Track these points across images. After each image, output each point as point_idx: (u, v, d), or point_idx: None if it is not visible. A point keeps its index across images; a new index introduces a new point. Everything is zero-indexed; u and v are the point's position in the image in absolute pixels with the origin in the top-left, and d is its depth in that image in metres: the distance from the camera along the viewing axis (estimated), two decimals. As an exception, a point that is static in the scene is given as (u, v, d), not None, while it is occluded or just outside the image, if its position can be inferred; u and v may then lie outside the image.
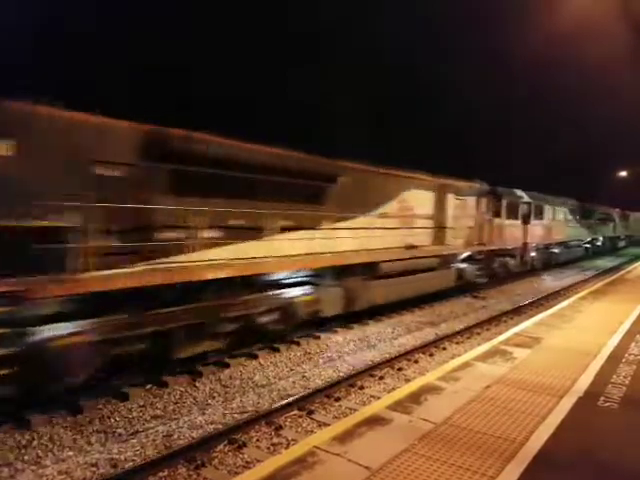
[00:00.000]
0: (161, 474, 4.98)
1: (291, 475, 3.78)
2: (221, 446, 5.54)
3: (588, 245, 31.93)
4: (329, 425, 5.52)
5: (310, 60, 33.99)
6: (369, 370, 8.20)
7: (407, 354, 9.20)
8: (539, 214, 22.05)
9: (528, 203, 20.64)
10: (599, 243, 34.96)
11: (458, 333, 10.95)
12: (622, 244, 43.39)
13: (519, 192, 20.09)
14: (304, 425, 6.23)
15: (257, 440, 5.78)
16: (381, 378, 8.03)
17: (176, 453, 5.26)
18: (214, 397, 7.11)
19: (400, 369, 8.54)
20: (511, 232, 18.68)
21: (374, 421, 4.79)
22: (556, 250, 25.29)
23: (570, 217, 27.36)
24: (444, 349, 9.89)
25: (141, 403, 6.75)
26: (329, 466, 3.93)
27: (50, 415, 6.14)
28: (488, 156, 39.42)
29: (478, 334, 11.19)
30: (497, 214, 17.61)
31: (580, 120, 52.77)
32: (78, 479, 4.94)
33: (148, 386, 7.25)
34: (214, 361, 8.28)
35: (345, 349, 9.72)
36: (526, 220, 20.30)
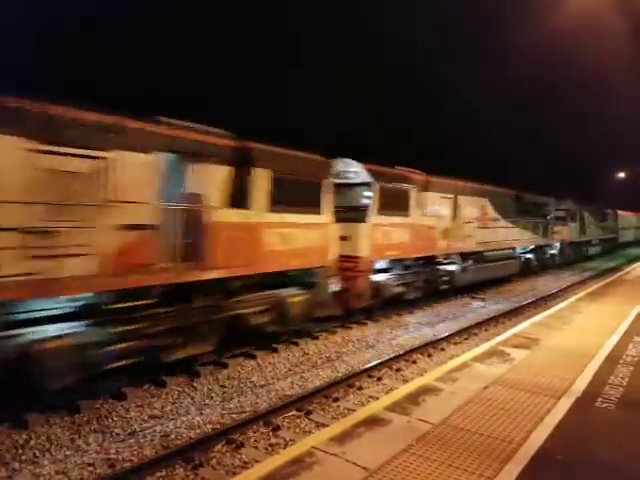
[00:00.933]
0: (159, 474, 4.97)
1: (289, 475, 3.78)
2: (219, 446, 5.54)
3: (530, 255, 22.51)
4: (327, 426, 5.52)
5: (310, 60, 34.04)
6: (367, 371, 8.19)
7: (405, 355, 9.20)
8: (397, 205, 12.61)
9: (365, 184, 11.79)
10: (553, 251, 25.36)
11: (456, 334, 10.95)
12: (595, 251, 32.79)
13: (344, 163, 11.77)
14: (302, 425, 6.22)
15: (255, 440, 5.77)
16: (379, 379, 8.03)
17: (174, 453, 5.26)
18: (212, 397, 7.11)
19: (398, 370, 8.54)
20: (294, 238, 9.42)
21: (372, 422, 4.79)
22: (453, 267, 15.41)
23: (494, 214, 18.05)
24: (442, 350, 9.89)
25: (139, 403, 6.75)
26: (327, 466, 3.93)
27: (47, 415, 6.14)
28: (488, 155, 39.43)
29: (476, 335, 11.19)
30: (241, 202, 8.24)
31: (580, 120, 52.84)
32: (75, 479, 4.93)
33: (146, 386, 7.25)
34: (212, 361, 8.27)
35: (343, 349, 9.71)
36: (360, 216, 11.64)
